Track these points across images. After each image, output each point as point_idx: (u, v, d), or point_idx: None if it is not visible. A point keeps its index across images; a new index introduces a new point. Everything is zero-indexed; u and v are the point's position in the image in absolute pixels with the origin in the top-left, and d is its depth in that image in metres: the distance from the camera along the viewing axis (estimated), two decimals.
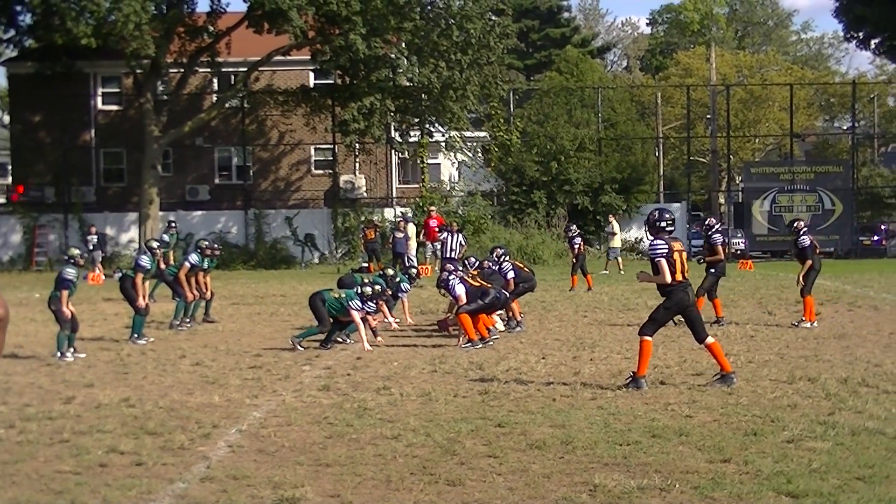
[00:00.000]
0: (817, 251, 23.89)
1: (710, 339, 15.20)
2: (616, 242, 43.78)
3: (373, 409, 13.73)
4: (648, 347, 15.00)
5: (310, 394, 15.04)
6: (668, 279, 14.77)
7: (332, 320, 20.59)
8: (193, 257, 25.30)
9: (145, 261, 22.49)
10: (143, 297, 22.23)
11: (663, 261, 14.76)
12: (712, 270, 23.45)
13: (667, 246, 14.88)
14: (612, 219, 45.43)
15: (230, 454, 11.47)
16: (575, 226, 36.71)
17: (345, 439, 12.04)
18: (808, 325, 22.68)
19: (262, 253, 50.60)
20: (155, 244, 24.51)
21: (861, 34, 61.09)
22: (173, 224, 38.89)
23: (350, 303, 20.33)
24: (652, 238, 15.16)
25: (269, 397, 14.92)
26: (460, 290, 20.59)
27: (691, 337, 16.02)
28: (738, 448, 11.17)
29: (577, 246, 33.94)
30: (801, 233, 23.48)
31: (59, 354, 19.39)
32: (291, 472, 10.55)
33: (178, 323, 24.54)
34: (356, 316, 20.28)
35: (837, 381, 15.24)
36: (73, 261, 20.23)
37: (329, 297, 20.64)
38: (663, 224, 15.16)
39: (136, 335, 21.86)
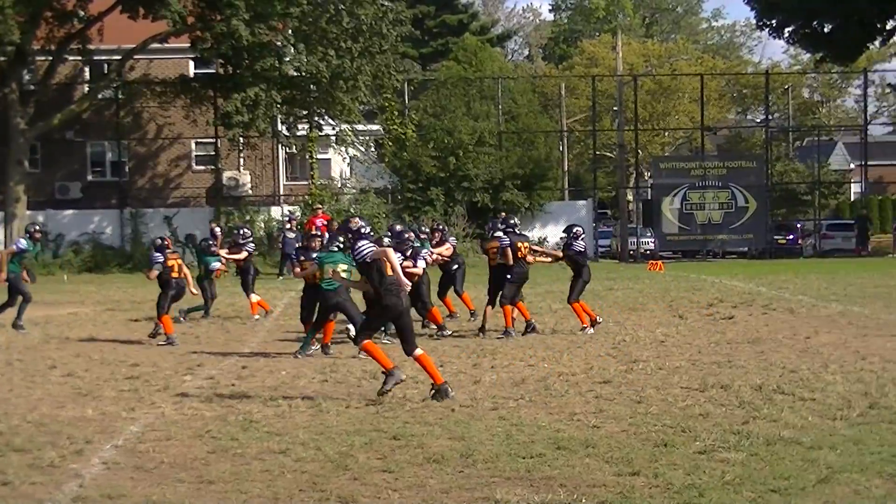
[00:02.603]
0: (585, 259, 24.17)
1: (418, 352, 15.26)
2: None
3: (259, 422, 13.67)
4: (372, 348, 15.30)
5: (191, 406, 14.93)
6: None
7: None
8: (22, 242, 25.03)
9: (23, 243, 22.69)
10: (2, 272, 22.54)
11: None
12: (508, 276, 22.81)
13: (374, 246, 15.49)
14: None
15: (105, 471, 11.35)
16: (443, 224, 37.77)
17: (229, 454, 11.98)
18: (589, 329, 22.45)
19: (140, 255, 49.70)
20: (34, 227, 24.60)
21: (774, 22, 61.76)
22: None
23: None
24: (354, 243, 15.67)
25: (147, 410, 14.77)
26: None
27: (598, 343, 16.11)
28: (648, 460, 11.27)
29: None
30: (580, 237, 23.65)
31: None
32: (172, 491, 10.48)
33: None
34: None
35: (752, 388, 15.40)
36: None
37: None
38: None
39: None
